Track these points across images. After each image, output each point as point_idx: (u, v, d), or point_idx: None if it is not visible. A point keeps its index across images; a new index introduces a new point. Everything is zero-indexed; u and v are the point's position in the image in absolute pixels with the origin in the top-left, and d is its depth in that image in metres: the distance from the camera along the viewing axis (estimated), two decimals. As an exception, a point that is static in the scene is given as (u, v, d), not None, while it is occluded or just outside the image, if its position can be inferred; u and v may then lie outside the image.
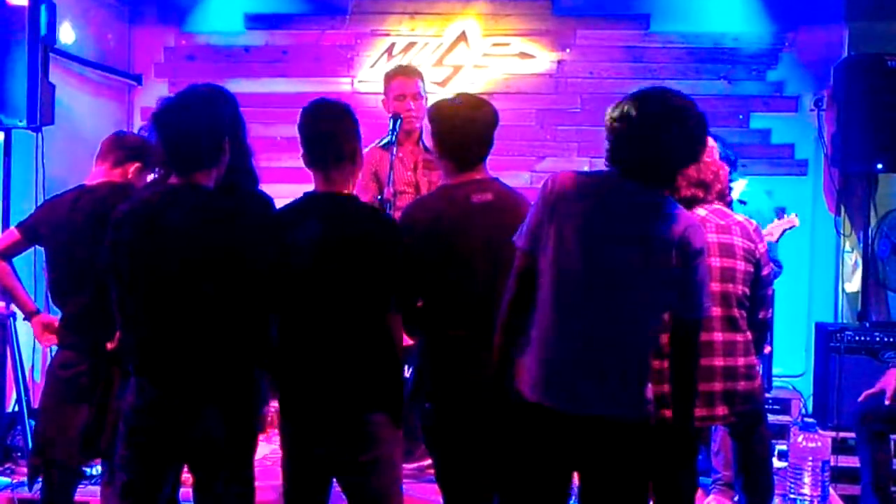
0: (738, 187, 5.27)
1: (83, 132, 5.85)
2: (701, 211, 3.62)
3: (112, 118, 6.47)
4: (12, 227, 4.14)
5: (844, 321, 6.03)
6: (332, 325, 3.02)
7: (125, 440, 3.01)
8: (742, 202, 5.20)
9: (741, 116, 6.31)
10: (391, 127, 4.34)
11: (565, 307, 2.74)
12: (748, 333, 3.62)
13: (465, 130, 3.28)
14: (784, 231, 5.00)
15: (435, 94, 6.30)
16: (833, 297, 6.22)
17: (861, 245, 5.97)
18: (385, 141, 4.51)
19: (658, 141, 2.72)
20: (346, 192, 3.15)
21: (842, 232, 6.14)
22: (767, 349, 4.65)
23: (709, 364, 3.50)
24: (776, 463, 4.87)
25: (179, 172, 3.01)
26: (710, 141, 3.82)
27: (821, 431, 5.04)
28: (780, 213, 6.05)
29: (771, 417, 5.31)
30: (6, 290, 4.11)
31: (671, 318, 2.85)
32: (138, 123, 6.54)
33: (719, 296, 3.53)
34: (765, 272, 3.70)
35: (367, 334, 3.05)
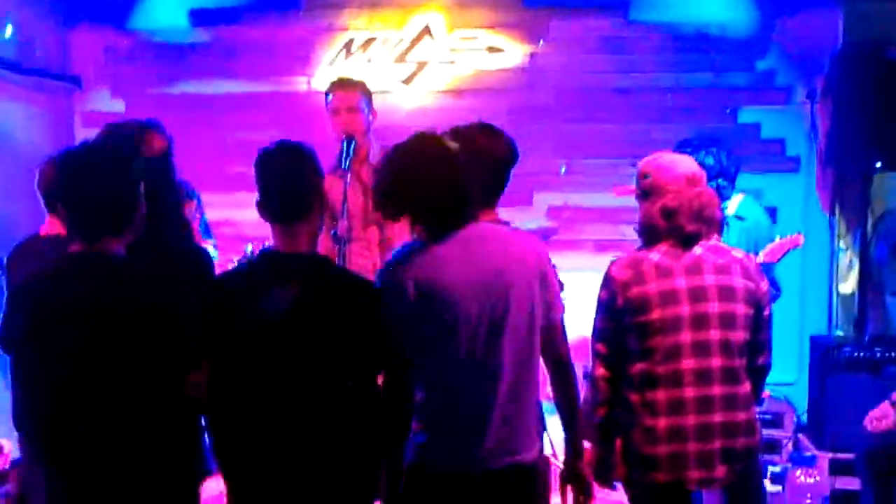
0: (735, 202, 4.89)
1: (19, 143, 5.55)
2: (697, 249, 3.27)
3: (51, 126, 6.07)
4: None
5: (839, 326, 5.75)
6: (302, 412, 2.66)
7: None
8: (740, 218, 4.84)
9: (728, 110, 5.97)
10: (344, 150, 3.89)
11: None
12: (748, 384, 3.29)
13: None
14: (786, 252, 4.64)
15: (398, 93, 6.00)
16: (827, 300, 5.90)
17: (857, 246, 5.65)
18: (338, 165, 4.03)
19: None
20: (312, 251, 2.78)
21: (836, 232, 5.81)
22: (766, 394, 4.31)
23: (707, 421, 3.18)
24: (769, 487, 4.58)
25: (83, 239, 2.58)
26: (694, 165, 3.41)
27: (816, 452, 4.89)
28: (772, 213, 5.73)
29: (763, 431, 5.04)
30: None
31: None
32: (80, 130, 6.19)
33: (719, 345, 3.20)
34: (766, 313, 3.35)
35: (341, 424, 2.68)
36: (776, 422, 5.35)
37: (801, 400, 5.49)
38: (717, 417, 3.19)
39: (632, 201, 3.45)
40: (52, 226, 3.50)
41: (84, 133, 6.03)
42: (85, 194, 2.56)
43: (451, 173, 2.70)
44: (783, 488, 4.57)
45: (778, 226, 5.52)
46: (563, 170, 5.94)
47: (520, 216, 5.54)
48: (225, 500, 2.82)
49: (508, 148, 3.03)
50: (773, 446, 5.16)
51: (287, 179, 2.72)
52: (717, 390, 3.19)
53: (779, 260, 4.65)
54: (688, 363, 3.17)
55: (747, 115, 5.97)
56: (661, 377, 3.16)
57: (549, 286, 2.82)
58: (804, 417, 5.43)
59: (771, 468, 4.84)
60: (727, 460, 3.21)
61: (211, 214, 5.27)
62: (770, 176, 5.90)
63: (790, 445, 5.21)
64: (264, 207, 2.74)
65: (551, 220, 5.68)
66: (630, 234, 3.53)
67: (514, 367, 2.73)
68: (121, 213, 2.61)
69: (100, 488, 2.62)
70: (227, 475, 2.77)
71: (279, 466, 2.67)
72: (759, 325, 3.32)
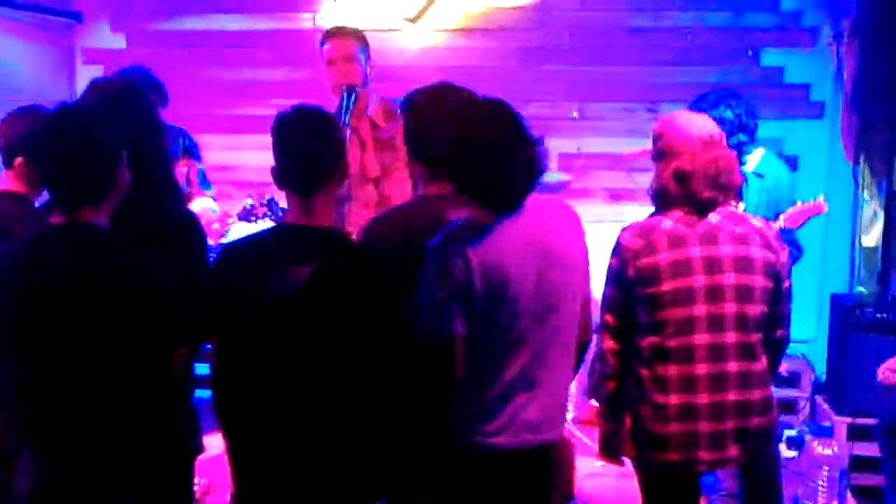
0: (754, 158, 4.66)
1: (20, 82, 5.45)
2: (713, 217, 3.09)
3: (52, 63, 5.93)
4: None
5: (860, 280, 5.51)
6: (317, 401, 2.52)
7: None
8: (759, 175, 4.62)
9: (750, 52, 5.69)
10: (344, 103, 3.70)
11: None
12: (764, 360, 3.13)
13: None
14: (808, 219, 4.43)
15: (405, 32, 5.77)
16: (849, 252, 5.68)
17: (882, 197, 5.38)
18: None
19: None
20: (330, 224, 2.63)
21: (860, 182, 5.54)
22: (784, 367, 4.15)
23: (720, 399, 3.03)
24: (784, 452, 4.48)
25: (62, 210, 2.44)
26: (712, 126, 3.21)
27: (835, 417, 4.71)
28: (793, 163, 5.51)
29: (780, 392, 4.92)
30: None
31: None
32: (80, 66, 6.04)
33: (735, 318, 3.04)
34: (785, 285, 3.18)
35: (357, 407, 2.54)
36: (793, 381, 5.24)
37: (820, 358, 5.33)
38: (731, 396, 3.05)
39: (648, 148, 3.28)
40: (8, 181, 3.34)
41: (85, 70, 5.94)
42: (61, 161, 2.40)
43: (531, 150, 2.57)
44: (798, 455, 4.43)
45: (799, 175, 5.32)
46: (575, 114, 5.73)
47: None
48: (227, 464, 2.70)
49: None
50: (790, 406, 5.04)
51: (306, 149, 2.53)
52: (732, 367, 3.04)
53: (800, 227, 4.46)
54: (701, 338, 3.02)
55: (770, 58, 5.71)
56: (672, 351, 3.01)
57: (587, 267, 2.76)
58: (822, 377, 5.27)
59: (787, 432, 4.72)
60: (740, 440, 3.08)
61: (211, 157, 5.11)
62: (792, 123, 5.67)
63: (807, 408, 5.08)
64: (281, 178, 2.56)
65: (563, 169, 5.47)
66: (644, 182, 3.35)
67: (557, 348, 2.65)
68: (100, 180, 2.44)
69: (85, 467, 2.51)
70: (232, 459, 2.65)
71: (289, 449, 2.56)
72: (778, 298, 3.16)
